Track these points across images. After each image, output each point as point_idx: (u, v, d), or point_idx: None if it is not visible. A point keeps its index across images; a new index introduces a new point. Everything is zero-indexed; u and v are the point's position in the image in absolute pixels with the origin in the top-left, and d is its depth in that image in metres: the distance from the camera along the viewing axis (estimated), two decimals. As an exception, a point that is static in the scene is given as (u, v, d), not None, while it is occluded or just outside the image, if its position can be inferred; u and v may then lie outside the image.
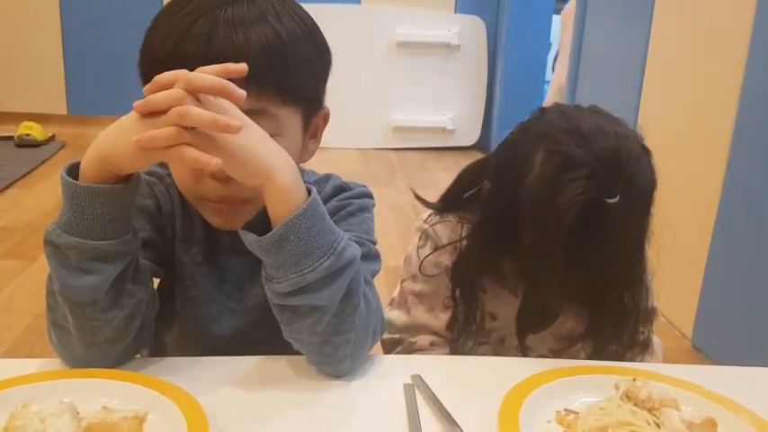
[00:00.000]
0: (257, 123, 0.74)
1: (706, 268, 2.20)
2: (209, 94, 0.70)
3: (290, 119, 0.85)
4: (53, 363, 0.82)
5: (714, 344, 2.17)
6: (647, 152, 0.92)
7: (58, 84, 4.54)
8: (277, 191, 0.73)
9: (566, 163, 0.86)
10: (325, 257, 0.74)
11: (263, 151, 0.73)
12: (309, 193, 0.75)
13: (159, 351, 0.97)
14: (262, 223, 0.76)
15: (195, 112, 0.68)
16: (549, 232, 0.85)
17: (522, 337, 0.99)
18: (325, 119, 0.93)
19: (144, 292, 0.81)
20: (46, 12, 4.42)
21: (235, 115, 0.71)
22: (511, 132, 0.97)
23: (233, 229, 0.80)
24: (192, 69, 0.72)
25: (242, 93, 0.70)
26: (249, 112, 0.75)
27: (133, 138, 0.68)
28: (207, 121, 0.68)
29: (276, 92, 0.81)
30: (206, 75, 0.70)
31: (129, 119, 0.71)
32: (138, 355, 0.86)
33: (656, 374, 0.83)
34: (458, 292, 1.01)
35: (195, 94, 0.69)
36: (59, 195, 0.73)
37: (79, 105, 4.58)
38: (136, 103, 0.70)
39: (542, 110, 0.96)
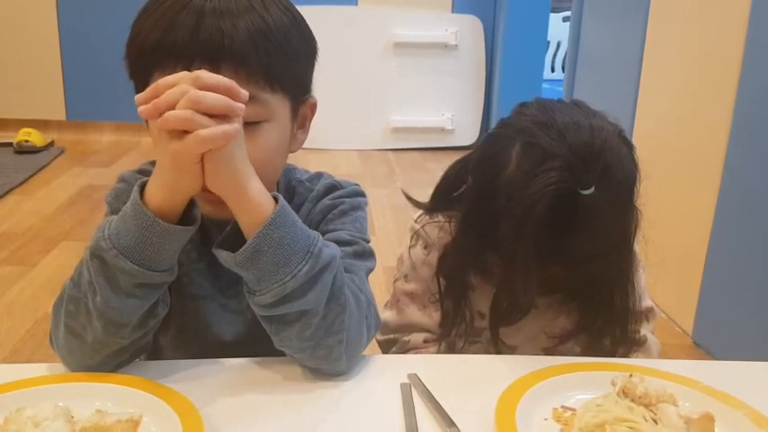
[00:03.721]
0: (247, 109, 0.73)
1: (705, 264, 2.19)
2: (215, 93, 0.69)
3: (279, 106, 0.84)
4: (51, 368, 0.82)
5: (715, 340, 2.17)
6: (627, 144, 0.91)
7: (57, 89, 4.53)
8: (245, 201, 0.74)
9: (540, 156, 0.86)
10: (304, 263, 0.75)
11: (239, 162, 0.73)
12: (277, 201, 0.75)
13: (156, 353, 0.96)
14: (237, 239, 0.76)
15: (208, 95, 0.68)
16: (522, 223, 0.85)
17: (495, 330, 0.98)
18: (313, 108, 0.93)
19: (165, 311, 0.82)
20: (43, 18, 4.41)
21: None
22: (492, 128, 0.97)
23: (224, 218, 0.79)
24: (180, 57, 0.74)
25: (245, 93, 0.71)
26: None
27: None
28: (220, 105, 0.68)
29: (264, 78, 0.80)
30: (212, 74, 0.70)
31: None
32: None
33: (653, 370, 0.82)
34: (443, 288, 1.01)
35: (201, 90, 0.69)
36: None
37: (78, 111, 4.57)
38: (141, 108, 0.69)
39: (522, 105, 0.96)
